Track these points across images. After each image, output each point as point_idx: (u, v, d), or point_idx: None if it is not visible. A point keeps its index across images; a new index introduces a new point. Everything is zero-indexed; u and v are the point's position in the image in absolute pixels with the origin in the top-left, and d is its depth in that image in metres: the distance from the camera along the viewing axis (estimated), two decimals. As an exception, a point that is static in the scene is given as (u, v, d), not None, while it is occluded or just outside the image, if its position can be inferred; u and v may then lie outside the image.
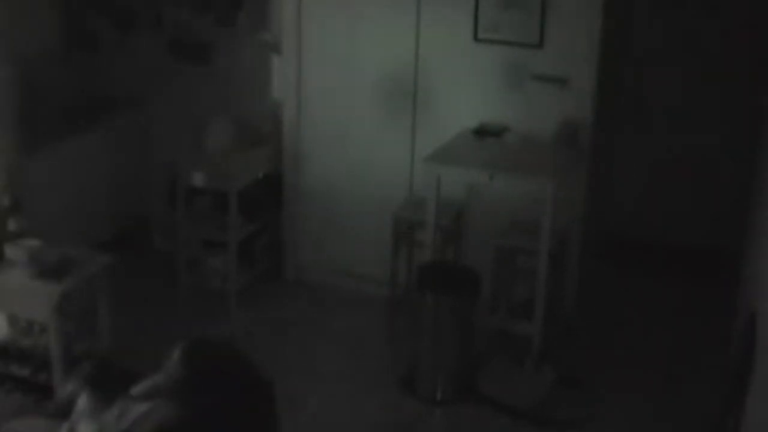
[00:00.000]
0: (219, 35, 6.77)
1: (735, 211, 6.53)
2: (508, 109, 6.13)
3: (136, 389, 4.02)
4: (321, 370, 5.88)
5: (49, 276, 5.06)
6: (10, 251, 5.18)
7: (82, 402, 4.13)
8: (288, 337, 6.22)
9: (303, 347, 6.12)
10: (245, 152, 6.67)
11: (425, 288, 5.55)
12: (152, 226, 7.20)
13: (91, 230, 6.54)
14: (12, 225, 5.35)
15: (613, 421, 5.43)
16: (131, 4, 6.90)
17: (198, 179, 6.42)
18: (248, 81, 6.80)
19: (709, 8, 6.93)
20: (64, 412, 4.19)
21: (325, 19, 6.41)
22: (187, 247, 6.60)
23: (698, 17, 6.95)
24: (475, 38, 6.08)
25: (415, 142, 6.38)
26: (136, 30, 6.93)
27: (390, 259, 6.25)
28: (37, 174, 6.08)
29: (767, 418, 3.74)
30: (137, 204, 7.19)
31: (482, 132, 6.08)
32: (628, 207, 7.28)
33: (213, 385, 3.81)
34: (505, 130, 6.10)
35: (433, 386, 5.60)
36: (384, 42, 6.31)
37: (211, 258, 6.62)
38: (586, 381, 5.75)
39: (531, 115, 6.09)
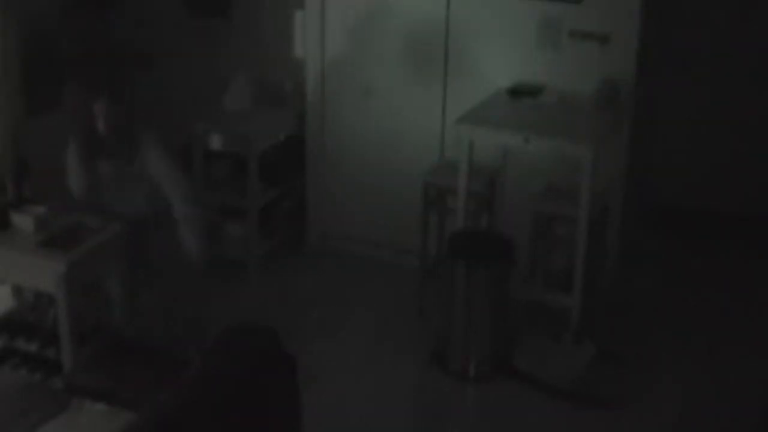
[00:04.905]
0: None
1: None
2: (545, 68, 6.04)
3: None
4: (346, 345, 5.81)
5: (57, 244, 4.92)
6: (16, 218, 5.05)
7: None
8: (311, 309, 6.17)
9: (327, 320, 6.06)
10: (266, 113, 6.63)
11: (457, 257, 5.49)
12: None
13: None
14: (19, 189, 5.24)
15: (656, 398, 5.36)
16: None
17: (216, 142, 6.41)
18: (270, 38, 6.73)
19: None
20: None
21: (350, -30, 6.37)
22: (204, 214, 6.41)
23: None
24: (511, -9, 6.00)
25: (447, 103, 6.29)
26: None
27: (419, 226, 6.18)
28: (44, 136, 5.91)
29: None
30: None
31: (517, 92, 6.01)
32: (674, 171, 7.13)
33: (233, 358, 3.78)
34: (542, 90, 6.01)
35: (465, 362, 5.56)
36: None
37: (230, 225, 6.58)
38: (627, 357, 5.68)
39: (569, 74, 6.00)
